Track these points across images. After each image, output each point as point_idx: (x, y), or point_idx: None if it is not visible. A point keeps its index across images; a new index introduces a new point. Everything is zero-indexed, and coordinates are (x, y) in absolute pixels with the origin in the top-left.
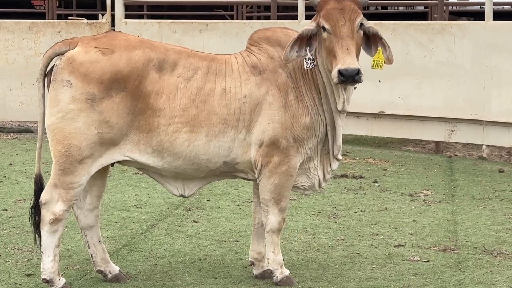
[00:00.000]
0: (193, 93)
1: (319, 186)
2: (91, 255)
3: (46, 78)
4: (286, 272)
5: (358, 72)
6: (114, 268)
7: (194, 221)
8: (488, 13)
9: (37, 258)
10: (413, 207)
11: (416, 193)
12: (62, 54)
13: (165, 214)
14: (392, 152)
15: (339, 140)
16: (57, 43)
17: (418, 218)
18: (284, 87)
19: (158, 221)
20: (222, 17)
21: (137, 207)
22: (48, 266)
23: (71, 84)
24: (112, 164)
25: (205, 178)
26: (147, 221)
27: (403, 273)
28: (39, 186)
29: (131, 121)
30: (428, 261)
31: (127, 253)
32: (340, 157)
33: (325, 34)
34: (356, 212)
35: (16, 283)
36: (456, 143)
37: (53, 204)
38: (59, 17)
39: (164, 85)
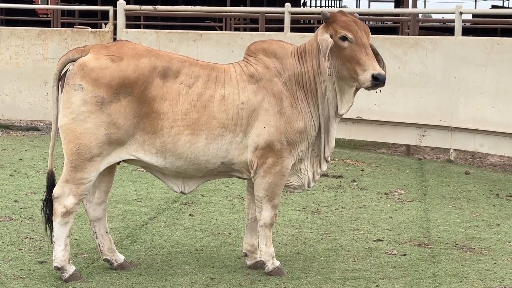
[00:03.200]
0: (194, 99)
1: (308, 185)
2: (99, 245)
3: (60, 82)
4: (277, 263)
5: (385, 77)
6: (120, 257)
7: (190, 214)
8: (458, 29)
9: (48, 247)
10: (389, 205)
11: (391, 192)
12: (74, 61)
13: (163, 207)
14: (368, 154)
15: (332, 143)
16: (70, 50)
17: (394, 215)
18: (279, 95)
19: (157, 214)
20: (213, 28)
21: (137, 201)
22: (60, 254)
23: (82, 88)
24: (119, 162)
25: (204, 177)
26: (147, 214)
27: (382, 266)
28: (51, 182)
29: (137, 123)
30: (404, 254)
31: (130, 243)
32: (329, 159)
33: (345, 43)
34: (337, 209)
35: (29, 270)
36: (426, 147)
37: (65, 198)
38: (63, 25)
39: (168, 91)
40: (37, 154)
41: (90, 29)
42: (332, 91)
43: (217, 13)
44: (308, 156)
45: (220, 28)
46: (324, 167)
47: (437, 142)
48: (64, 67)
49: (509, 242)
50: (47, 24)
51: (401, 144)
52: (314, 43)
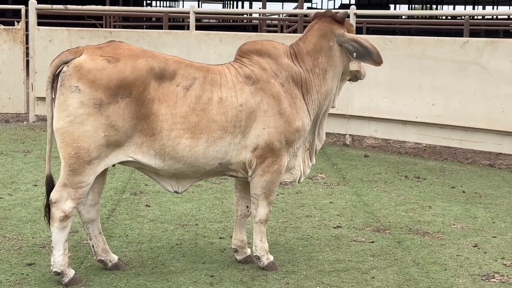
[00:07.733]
0: (192, 102)
1: (299, 180)
2: (93, 246)
3: (53, 85)
4: (271, 257)
5: None
6: (114, 257)
7: (146, 205)
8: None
9: (27, 246)
10: (321, 190)
11: (313, 176)
12: (67, 63)
13: (115, 198)
14: None
15: (323, 135)
16: (63, 52)
17: (332, 199)
18: (277, 96)
19: (114, 206)
20: (93, 26)
21: None
22: (59, 259)
23: (79, 90)
24: (114, 164)
25: (198, 177)
26: (104, 205)
27: (361, 255)
28: (50, 186)
29: (135, 124)
30: (373, 241)
31: (106, 239)
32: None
33: None
34: (277, 195)
35: (22, 273)
36: None
37: (63, 202)
38: None
39: (165, 93)
40: None
41: (2, 26)
42: (335, 87)
43: (125, 13)
44: (300, 151)
45: (101, 26)
46: (314, 160)
47: (334, 128)
48: (57, 69)
49: (454, 225)
50: None
51: None
52: (317, 42)
